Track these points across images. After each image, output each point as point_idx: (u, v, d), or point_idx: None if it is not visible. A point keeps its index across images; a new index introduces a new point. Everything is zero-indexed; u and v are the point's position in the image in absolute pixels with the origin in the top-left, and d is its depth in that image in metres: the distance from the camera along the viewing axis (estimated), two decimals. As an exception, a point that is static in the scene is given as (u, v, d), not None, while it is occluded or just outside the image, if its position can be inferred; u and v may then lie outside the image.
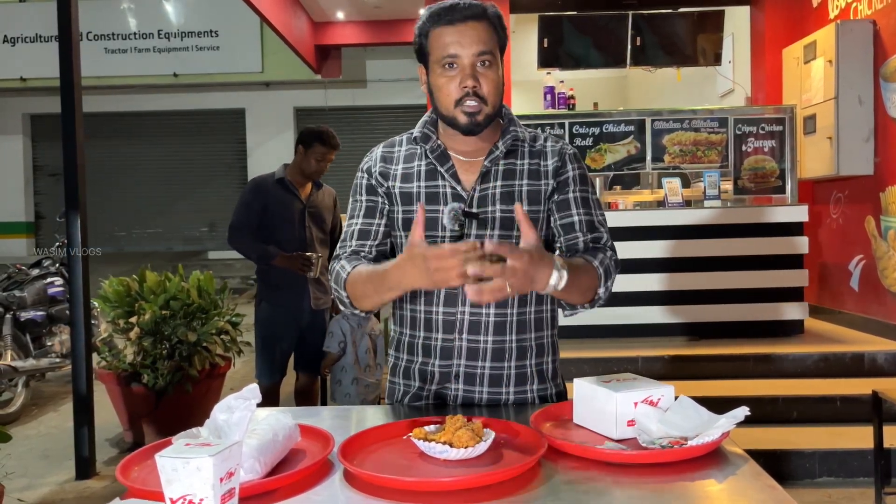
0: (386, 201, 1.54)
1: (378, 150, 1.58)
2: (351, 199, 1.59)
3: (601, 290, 1.44)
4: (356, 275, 1.44)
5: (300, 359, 3.77)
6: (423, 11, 1.50)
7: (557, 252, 1.53)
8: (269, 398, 3.62)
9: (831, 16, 5.16)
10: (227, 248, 3.74)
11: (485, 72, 1.43)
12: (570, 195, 1.51)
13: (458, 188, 1.48)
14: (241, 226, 3.57)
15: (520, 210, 1.23)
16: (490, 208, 1.47)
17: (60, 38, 3.73)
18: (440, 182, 1.50)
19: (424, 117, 1.57)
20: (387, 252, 1.55)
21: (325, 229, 3.77)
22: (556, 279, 1.25)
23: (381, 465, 1.12)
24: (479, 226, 1.47)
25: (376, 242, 1.53)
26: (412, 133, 1.57)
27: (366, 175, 1.56)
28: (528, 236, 1.23)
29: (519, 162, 1.52)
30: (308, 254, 3.56)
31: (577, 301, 1.44)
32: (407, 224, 1.50)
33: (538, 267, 1.21)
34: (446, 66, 1.43)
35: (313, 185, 3.71)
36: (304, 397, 3.79)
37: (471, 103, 1.42)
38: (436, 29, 1.44)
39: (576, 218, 1.50)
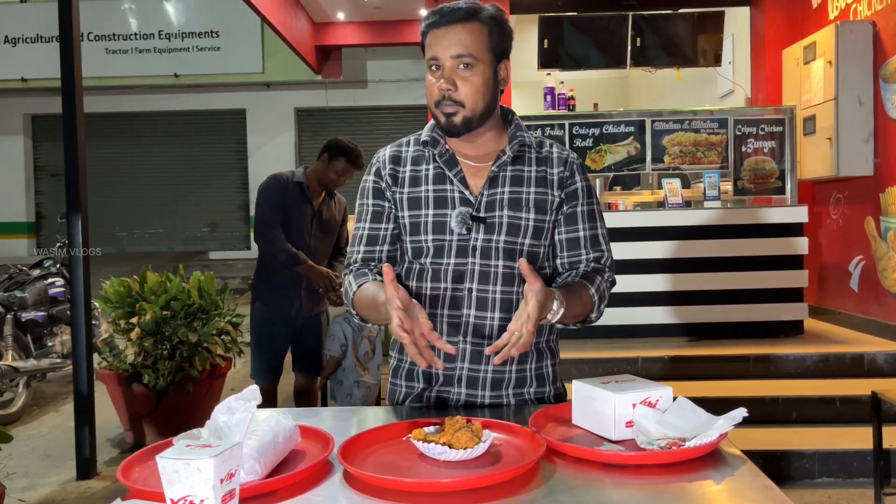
0: (393, 206, 1.55)
1: (387, 151, 1.59)
2: (358, 202, 1.59)
3: (593, 315, 1.51)
4: (359, 298, 1.47)
5: (297, 360, 3.77)
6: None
7: (559, 265, 1.56)
8: (266, 399, 3.62)
9: (831, 17, 5.16)
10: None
11: (466, 75, 1.44)
12: (578, 209, 1.54)
13: (467, 193, 1.49)
14: (272, 223, 3.44)
15: (524, 265, 1.26)
16: (497, 213, 1.48)
17: (61, 39, 3.73)
18: (448, 186, 1.50)
19: (432, 121, 1.58)
20: (397, 257, 1.56)
21: (330, 241, 3.72)
22: (553, 314, 1.33)
23: (381, 466, 1.12)
24: (486, 230, 1.48)
25: (385, 248, 1.54)
26: (419, 135, 1.57)
27: (374, 178, 1.57)
28: (535, 286, 1.26)
29: (526, 168, 1.53)
30: (335, 276, 3.53)
31: (568, 322, 1.48)
32: (415, 228, 1.51)
33: (543, 311, 1.29)
34: (432, 67, 1.47)
35: (326, 194, 3.67)
36: (303, 398, 3.79)
37: (446, 105, 1.45)
38: (429, 31, 1.47)
39: (581, 234, 1.53)
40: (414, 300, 1.28)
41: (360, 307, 1.48)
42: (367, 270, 1.52)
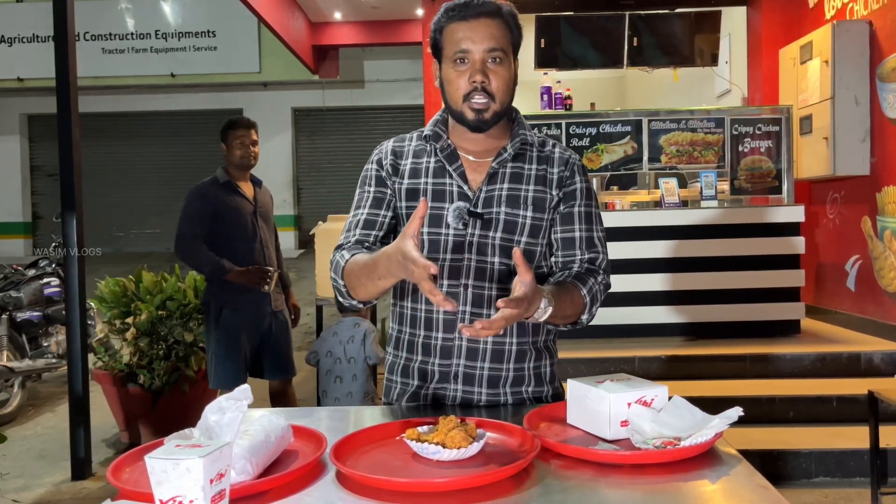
0: (394, 195, 1.55)
1: (389, 144, 1.59)
2: (358, 190, 1.58)
3: (584, 317, 1.48)
4: (353, 262, 1.43)
5: (269, 365, 3.60)
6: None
7: (553, 263, 1.55)
8: None
9: (827, 16, 5.16)
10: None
11: (495, 68, 1.44)
12: (575, 209, 1.53)
13: (465, 187, 1.49)
14: (192, 236, 3.37)
15: (518, 255, 1.22)
16: (495, 209, 1.48)
17: (56, 38, 3.72)
18: (447, 180, 1.51)
19: (436, 116, 1.58)
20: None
21: (273, 228, 3.67)
22: (541, 313, 1.30)
23: (374, 465, 1.11)
24: (482, 226, 1.47)
25: (381, 234, 1.53)
26: (422, 131, 1.58)
27: (376, 166, 1.57)
28: (525, 278, 1.23)
29: (527, 166, 1.52)
30: (266, 268, 3.46)
31: (558, 323, 1.47)
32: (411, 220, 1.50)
33: (531, 305, 1.26)
34: (457, 60, 1.45)
35: (254, 185, 3.59)
36: (280, 401, 3.65)
37: (478, 99, 1.44)
38: (450, 24, 1.46)
39: (577, 234, 1.52)
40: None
41: (352, 273, 1.42)
42: (362, 248, 1.49)
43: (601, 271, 1.52)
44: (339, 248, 1.52)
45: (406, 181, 1.53)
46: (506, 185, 1.50)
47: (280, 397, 3.69)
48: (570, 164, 1.55)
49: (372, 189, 1.55)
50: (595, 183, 4.94)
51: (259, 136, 3.63)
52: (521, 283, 1.23)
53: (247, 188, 3.55)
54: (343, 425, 1.40)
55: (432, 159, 1.53)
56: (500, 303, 1.19)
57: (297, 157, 12.36)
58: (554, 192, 1.52)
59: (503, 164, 1.51)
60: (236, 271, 3.38)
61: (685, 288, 4.61)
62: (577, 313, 1.45)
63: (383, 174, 1.55)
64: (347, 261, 1.45)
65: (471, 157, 1.52)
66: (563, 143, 4.71)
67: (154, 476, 0.87)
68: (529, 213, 1.49)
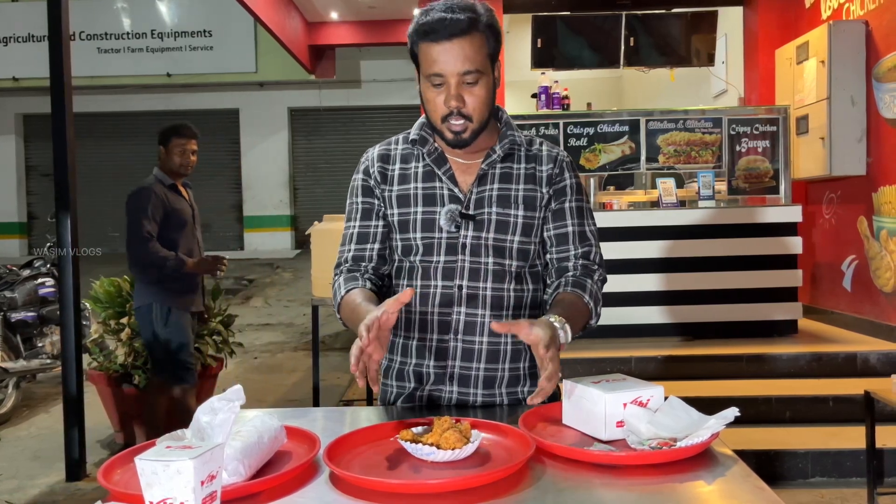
0: (383, 204, 1.54)
1: (375, 150, 1.58)
2: (348, 201, 1.58)
3: (592, 321, 1.49)
4: (345, 304, 1.47)
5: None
6: (416, 12, 1.50)
7: (548, 261, 1.55)
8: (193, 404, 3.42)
9: (824, 16, 5.17)
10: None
11: (471, 90, 1.41)
12: (567, 205, 1.53)
13: (456, 190, 1.49)
14: (149, 237, 3.38)
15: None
16: (486, 210, 1.48)
17: (51, 38, 3.71)
18: (437, 184, 1.50)
19: (421, 119, 1.56)
20: (386, 256, 1.55)
21: (201, 228, 3.79)
22: (564, 337, 1.32)
23: (368, 467, 1.11)
24: (475, 227, 1.47)
25: (376, 246, 1.53)
26: (408, 133, 1.56)
27: (363, 176, 1.56)
28: (523, 328, 1.25)
29: (516, 166, 1.52)
30: (219, 255, 3.62)
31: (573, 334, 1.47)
32: (403, 226, 1.50)
33: (554, 339, 1.27)
34: (435, 83, 1.42)
35: (185, 187, 3.70)
36: (182, 406, 3.55)
37: (456, 122, 1.42)
38: (422, 43, 1.41)
39: (569, 229, 1.53)
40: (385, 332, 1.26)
41: (345, 313, 1.48)
42: (357, 274, 1.52)
43: (596, 265, 1.52)
44: (338, 267, 1.55)
45: (396, 187, 1.52)
46: (496, 186, 1.49)
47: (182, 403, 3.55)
48: (558, 161, 1.54)
49: (359, 200, 1.56)
50: (593, 183, 4.93)
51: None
52: (526, 334, 1.25)
53: (183, 191, 3.67)
54: (337, 426, 1.39)
55: (420, 164, 1.52)
56: (541, 382, 1.23)
57: (294, 157, 12.34)
58: (544, 190, 1.52)
59: (492, 165, 1.51)
60: (192, 263, 3.49)
61: (682, 288, 4.61)
62: (585, 322, 1.47)
63: (371, 183, 1.55)
64: (342, 297, 1.48)
65: (459, 160, 1.52)
66: (561, 143, 4.72)
67: (144, 478, 0.86)
68: (521, 213, 1.49)
